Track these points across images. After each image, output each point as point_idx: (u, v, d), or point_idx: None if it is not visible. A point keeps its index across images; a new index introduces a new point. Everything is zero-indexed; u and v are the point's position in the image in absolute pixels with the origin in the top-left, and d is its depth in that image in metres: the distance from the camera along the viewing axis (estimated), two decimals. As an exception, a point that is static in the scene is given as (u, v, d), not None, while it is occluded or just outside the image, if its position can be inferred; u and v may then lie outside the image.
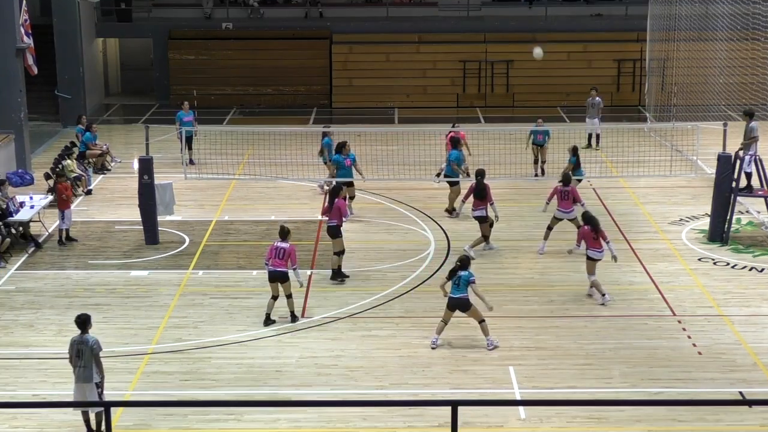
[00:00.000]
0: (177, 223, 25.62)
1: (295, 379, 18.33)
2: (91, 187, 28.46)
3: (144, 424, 17.02)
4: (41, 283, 22.33)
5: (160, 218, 24.59)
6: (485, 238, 23.42)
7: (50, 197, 25.52)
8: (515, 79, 38.28)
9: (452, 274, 19.08)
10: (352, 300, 21.35)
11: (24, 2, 29.49)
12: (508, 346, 19.28)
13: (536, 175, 28.50)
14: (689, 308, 20.89)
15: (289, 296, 20.12)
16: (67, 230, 24.49)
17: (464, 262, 19.09)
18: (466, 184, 24.88)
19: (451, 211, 25.78)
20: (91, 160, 29.83)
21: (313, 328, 20.21)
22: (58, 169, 27.54)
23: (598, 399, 17.38)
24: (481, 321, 19.14)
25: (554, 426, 16.89)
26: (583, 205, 23.74)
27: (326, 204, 22.57)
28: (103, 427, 16.52)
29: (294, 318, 20.24)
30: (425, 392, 17.87)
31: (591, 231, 20.95)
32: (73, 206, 25.15)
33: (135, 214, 25.06)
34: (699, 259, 23.30)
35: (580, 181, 26.00)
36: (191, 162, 29.91)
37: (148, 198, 24.22)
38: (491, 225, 23.51)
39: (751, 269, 22.73)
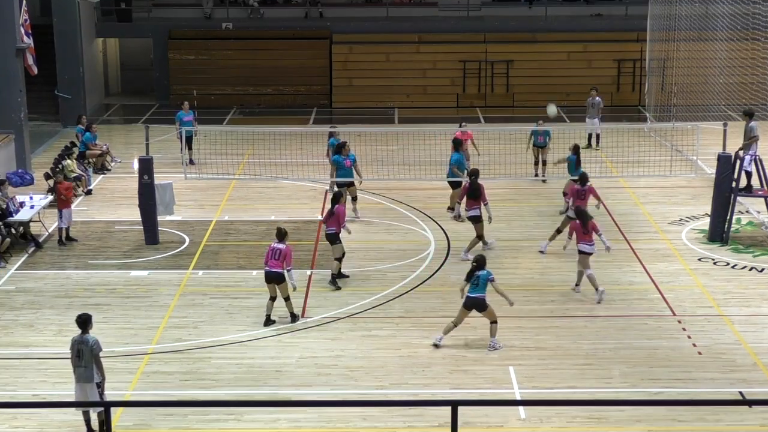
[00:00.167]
0: (177, 223, 25.62)
1: (295, 379, 18.33)
2: (91, 187, 28.47)
3: (144, 424, 17.02)
4: (41, 283, 22.33)
5: (160, 218, 24.59)
6: (479, 237, 23.33)
7: (50, 197, 25.52)
8: (515, 79, 38.28)
9: (470, 275, 19.01)
10: (352, 300, 21.35)
11: (24, 2, 29.49)
12: (508, 346, 19.27)
13: (536, 175, 28.48)
14: (689, 308, 20.90)
15: (286, 299, 20.03)
16: (68, 230, 24.49)
17: (480, 262, 19.05)
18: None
19: (452, 209, 25.71)
20: (91, 160, 29.84)
21: (313, 328, 20.21)
22: (58, 169, 27.55)
23: (598, 399, 17.38)
24: (494, 321, 19.12)
25: (554, 426, 16.90)
26: (599, 201, 23.66)
27: (327, 210, 22.49)
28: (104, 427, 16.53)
29: (294, 318, 20.23)
30: (425, 392, 17.87)
31: (580, 225, 21.08)
32: (73, 206, 25.14)
33: (135, 214, 25.06)
34: (699, 259, 23.31)
35: (575, 181, 25.98)
36: (191, 162, 29.91)
37: (148, 198, 24.22)
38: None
39: (751, 269, 22.74)
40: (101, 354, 16.33)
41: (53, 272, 22.92)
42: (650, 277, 22.36)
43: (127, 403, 18.67)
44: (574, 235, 21.45)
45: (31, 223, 24.58)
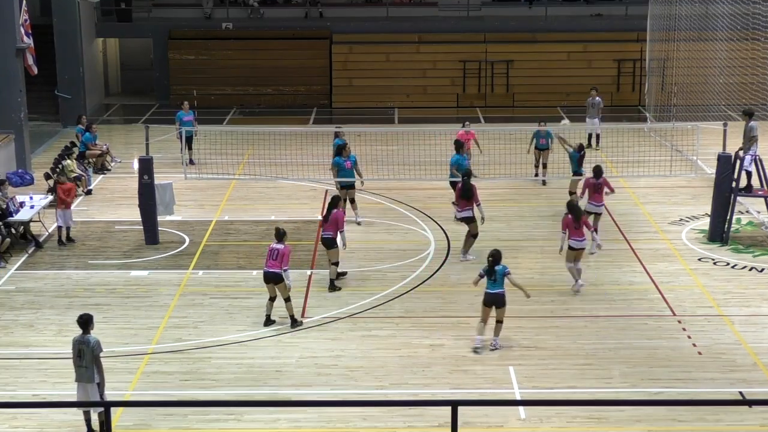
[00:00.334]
0: (177, 223, 25.62)
1: (295, 379, 18.33)
2: (91, 187, 28.47)
3: (144, 424, 17.02)
4: (41, 283, 22.33)
5: (160, 218, 24.59)
6: (474, 237, 23.21)
7: (50, 197, 25.52)
8: (515, 79, 38.28)
9: (490, 270, 18.95)
10: (352, 300, 21.35)
11: (24, 2, 29.49)
12: (507, 347, 19.27)
13: (536, 175, 28.47)
14: (689, 308, 20.90)
15: (287, 300, 19.95)
16: (68, 230, 24.49)
17: (496, 257, 19.01)
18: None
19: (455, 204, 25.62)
20: (91, 160, 29.84)
21: (313, 328, 20.21)
22: (58, 169, 27.56)
23: (598, 399, 17.38)
24: (500, 321, 19.11)
25: (554, 426, 16.89)
26: (612, 192, 23.69)
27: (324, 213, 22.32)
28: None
29: (294, 323, 20.07)
30: (425, 392, 17.87)
31: (573, 220, 21.13)
32: (73, 206, 25.13)
33: (135, 214, 25.06)
34: (699, 259, 23.31)
35: (578, 175, 26.00)
36: (191, 162, 29.91)
37: (148, 198, 24.22)
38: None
39: (751, 269, 22.74)
40: (101, 355, 16.33)
41: (53, 272, 22.92)
42: (650, 277, 22.36)
43: (127, 403, 18.67)
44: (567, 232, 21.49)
45: (31, 223, 24.57)
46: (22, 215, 24.30)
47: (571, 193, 25.67)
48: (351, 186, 25.44)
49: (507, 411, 17.20)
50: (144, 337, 19.85)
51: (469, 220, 23.12)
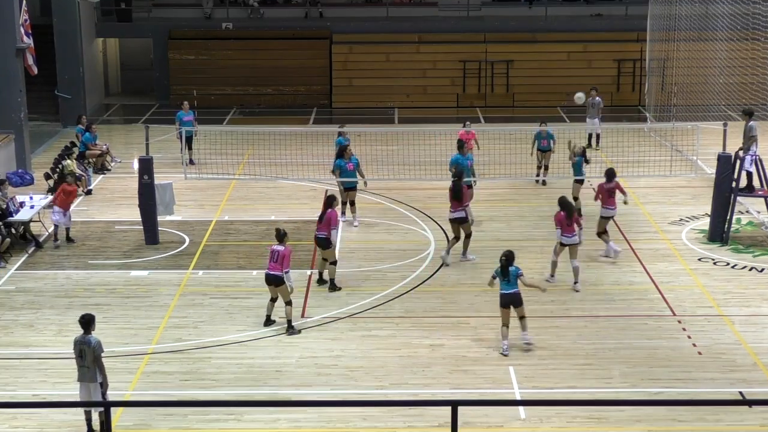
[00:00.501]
0: (177, 223, 25.62)
1: (295, 379, 18.32)
2: (91, 187, 28.47)
3: (144, 424, 17.02)
4: (41, 283, 22.33)
5: (160, 218, 24.59)
6: (468, 237, 23.14)
7: (50, 197, 25.51)
8: (515, 79, 38.29)
9: (504, 272, 18.93)
10: (352, 300, 21.35)
11: (24, 2, 29.49)
12: (508, 346, 19.24)
13: (538, 175, 28.43)
14: (689, 308, 20.90)
15: (287, 303, 19.83)
16: (67, 230, 24.49)
17: (510, 258, 19.03)
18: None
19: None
20: (91, 160, 29.84)
21: (313, 328, 20.21)
22: (66, 171, 27.55)
23: (598, 399, 17.38)
24: (523, 317, 19.12)
25: (554, 426, 16.89)
26: (625, 195, 23.49)
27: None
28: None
29: (290, 328, 19.86)
30: (425, 392, 17.86)
31: (565, 217, 21.22)
32: (73, 206, 25.13)
33: (135, 214, 25.06)
34: (699, 259, 23.30)
35: (579, 182, 26.00)
36: (191, 162, 29.92)
37: (148, 198, 24.22)
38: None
39: (751, 269, 22.74)
40: (102, 355, 16.33)
41: (53, 272, 22.92)
42: (650, 277, 22.36)
43: (127, 403, 18.66)
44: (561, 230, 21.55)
45: (31, 223, 24.57)
46: (22, 215, 24.30)
47: (575, 199, 25.68)
48: (353, 188, 25.40)
49: (507, 411, 17.19)
50: (144, 337, 19.84)
51: (462, 221, 22.98)
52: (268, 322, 20.16)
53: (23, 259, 23.61)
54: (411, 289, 21.86)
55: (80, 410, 16.67)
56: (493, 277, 19.13)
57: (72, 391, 17.13)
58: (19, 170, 29.20)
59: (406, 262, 23.30)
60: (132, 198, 25.70)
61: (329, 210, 21.58)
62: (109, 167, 30.54)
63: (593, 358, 18.98)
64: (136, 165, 26.07)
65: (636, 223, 25.57)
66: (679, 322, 20.30)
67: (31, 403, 18.33)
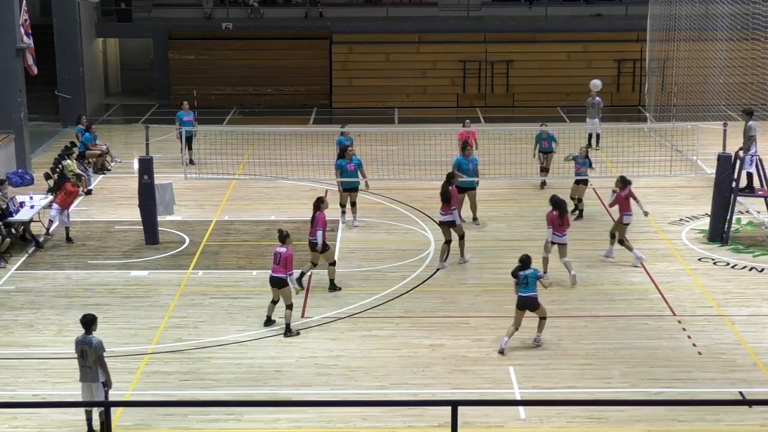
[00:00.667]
0: (177, 223, 25.62)
1: (295, 379, 18.32)
2: (91, 187, 28.46)
3: (144, 424, 17.02)
4: (41, 283, 22.33)
5: (160, 218, 24.59)
6: (462, 237, 23.07)
7: (50, 197, 25.52)
8: (515, 79, 38.29)
9: (516, 274, 18.96)
10: (352, 300, 21.35)
11: (24, 2, 29.49)
12: (508, 346, 19.23)
13: (540, 175, 28.38)
14: (689, 308, 20.90)
15: (288, 306, 19.74)
16: (67, 230, 24.49)
17: (525, 262, 19.05)
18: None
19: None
20: (90, 160, 29.84)
21: (313, 328, 20.21)
22: (58, 170, 27.55)
23: (598, 399, 17.38)
24: (544, 318, 19.14)
25: (554, 426, 16.89)
26: (638, 201, 23.36)
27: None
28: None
29: (288, 331, 19.77)
30: (425, 392, 17.86)
31: (557, 216, 21.31)
32: (72, 206, 25.13)
33: (135, 214, 25.06)
34: (699, 259, 23.30)
35: (583, 183, 25.97)
36: (191, 162, 29.92)
37: (148, 198, 24.22)
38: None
39: (751, 269, 22.73)
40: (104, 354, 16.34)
41: (53, 272, 22.91)
42: (650, 277, 22.35)
43: (127, 403, 18.66)
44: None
45: (31, 223, 24.57)
46: (22, 215, 24.30)
47: (579, 200, 25.68)
48: (354, 189, 25.36)
49: (507, 411, 17.19)
50: (144, 337, 19.84)
51: (451, 224, 22.84)
52: (269, 322, 20.15)
53: (23, 259, 23.61)
54: (411, 289, 21.86)
55: (80, 410, 16.67)
56: (514, 276, 19.11)
57: (72, 391, 17.14)
58: (19, 170, 29.20)
59: (406, 262, 23.29)
60: (132, 198, 25.70)
61: (318, 213, 21.51)
62: (109, 167, 30.53)
63: (593, 358, 18.98)
64: (136, 165, 26.07)
65: (636, 223, 25.50)
66: (679, 322, 20.30)
67: (31, 403, 18.34)
